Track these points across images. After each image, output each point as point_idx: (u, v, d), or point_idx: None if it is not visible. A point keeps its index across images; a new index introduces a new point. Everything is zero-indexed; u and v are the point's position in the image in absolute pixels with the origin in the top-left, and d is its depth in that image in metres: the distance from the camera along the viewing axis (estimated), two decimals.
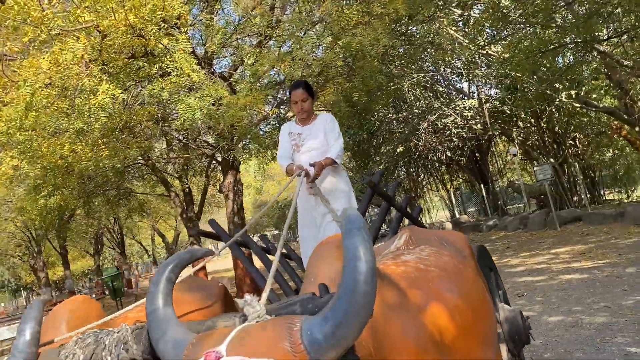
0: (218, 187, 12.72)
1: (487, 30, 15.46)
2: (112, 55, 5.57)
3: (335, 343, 1.20)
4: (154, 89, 5.79)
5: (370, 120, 19.96)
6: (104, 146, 6.24)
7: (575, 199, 21.87)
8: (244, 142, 10.67)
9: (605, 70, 15.76)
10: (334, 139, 3.59)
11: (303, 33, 7.35)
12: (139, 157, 11.63)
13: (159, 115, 7.62)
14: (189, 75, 5.91)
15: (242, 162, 12.17)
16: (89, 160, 6.45)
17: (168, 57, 5.70)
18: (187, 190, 14.25)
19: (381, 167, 22.15)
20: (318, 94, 7.19)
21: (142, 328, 1.70)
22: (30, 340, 1.74)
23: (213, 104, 6.44)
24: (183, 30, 5.97)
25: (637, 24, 10.46)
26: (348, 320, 1.20)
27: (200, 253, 1.70)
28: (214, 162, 14.41)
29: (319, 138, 3.63)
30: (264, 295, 1.56)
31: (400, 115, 20.96)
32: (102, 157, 6.46)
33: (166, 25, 5.77)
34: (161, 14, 5.21)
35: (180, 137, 12.23)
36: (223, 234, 3.36)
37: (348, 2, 6.20)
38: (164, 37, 5.76)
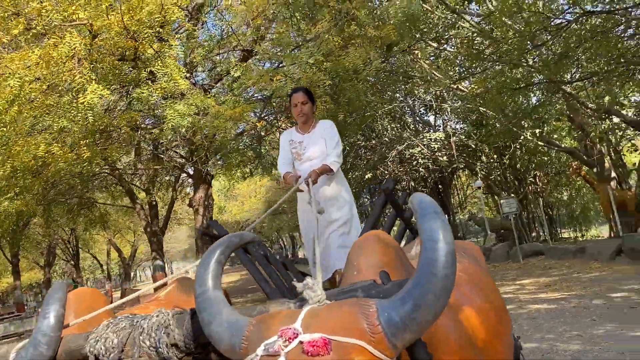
0: (188, 201, 12.49)
1: (459, 66, 15.99)
2: (102, 56, 5.46)
3: (413, 326, 1.18)
4: (142, 93, 5.68)
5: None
6: (85, 147, 6.03)
7: (533, 234, 22.50)
8: (219, 156, 10.56)
9: (568, 112, 16.48)
10: (332, 146, 3.58)
11: (290, 51, 7.40)
12: (105, 167, 11.34)
13: (139, 122, 7.46)
14: (176, 82, 5.85)
15: (214, 177, 12.03)
16: (65, 162, 6.21)
17: (159, 62, 5.63)
18: (153, 203, 13.92)
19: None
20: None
21: (183, 313, 1.63)
22: (54, 324, 1.65)
23: (197, 114, 6.37)
24: (177, 36, 5.92)
25: (605, 68, 10.98)
26: (427, 303, 1.18)
27: (249, 237, 1.66)
28: (184, 175, 14.17)
29: (319, 145, 3.62)
30: (317, 279, 1.51)
31: (368, 142, 21.26)
32: (83, 159, 6.24)
33: (160, 30, 5.70)
34: (159, 18, 5.16)
35: (151, 148, 12.01)
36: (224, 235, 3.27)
37: (340, 23, 6.30)
38: (156, 41, 5.70)
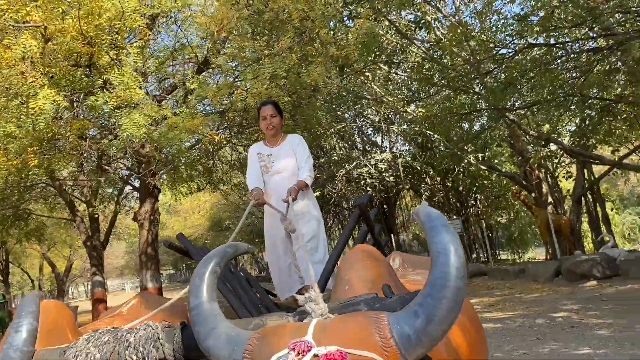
0: (133, 215, 12.07)
1: (409, 89, 16.44)
2: (56, 60, 5.21)
3: (426, 339, 1.17)
4: (97, 101, 5.46)
5: None
6: (32, 155, 5.69)
7: (474, 255, 23.22)
8: (167, 169, 10.29)
9: (509, 138, 17.23)
10: (304, 160, 3.56)
11: (248, 65, 7.37)
12: (45, 177, 10.82)
13: (87, 132, 7.16)
14: (132, 91, 5.67)
15: (161, 191, 11.73)
16: (7, 170, 5.82)
17: (116, 69, 5.43)
18: (95, 216, 13.38)
19: None
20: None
21: (172, 327, 1.55)
22: (27, 338, 1.54)
23: (151, 124, 6.20)
24: (133, 44, 5.74)
25: (547, 97, 11.56)
26: (440, 316, 1.17)
27: (244, 248, 1.60)
28: (128, 188, 13.73)
29: (288, 158, 3.59)
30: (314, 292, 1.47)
31: (317, 161, 21.35)
32: (29, 167, 5.88)
33: (118, 37, 5.53)
34: (119, 24, 5.00)
35: (94, 159, 11.59)
36: (191, 249, 3.17)
37: (303, 42, 6.34)
38: (113, 49, 5.52)
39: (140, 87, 5.93)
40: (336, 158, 20.29)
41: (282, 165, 3.57)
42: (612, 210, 22.36)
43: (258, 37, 6.32)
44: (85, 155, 7.75)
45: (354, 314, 1.30)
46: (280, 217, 3.19)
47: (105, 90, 5.48)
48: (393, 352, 1.15)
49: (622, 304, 7.94)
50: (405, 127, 18.64)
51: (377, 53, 10.95)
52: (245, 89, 5.88)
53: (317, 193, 20.83)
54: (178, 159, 8.05)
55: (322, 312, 1.34)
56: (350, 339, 1.15)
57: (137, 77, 5.59)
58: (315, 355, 1.11)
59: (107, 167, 11.54)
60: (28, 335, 1.53)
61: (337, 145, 21.49)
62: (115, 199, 14.11)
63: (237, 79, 6.48)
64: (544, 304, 8.80)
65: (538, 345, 6.18)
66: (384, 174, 19.73)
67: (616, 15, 9.84)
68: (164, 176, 11.26)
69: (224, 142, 7.74)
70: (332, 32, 6.13)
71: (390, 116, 19.47)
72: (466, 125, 15.39)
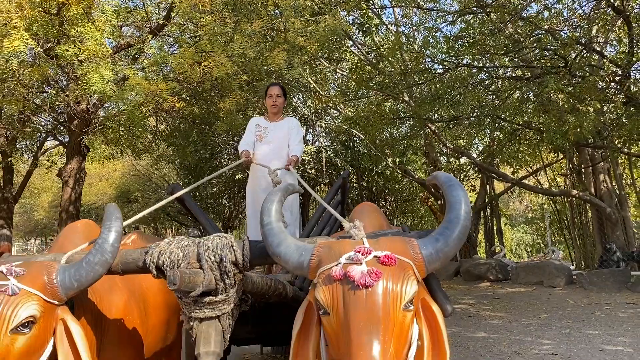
0: (57, 171, 11.76)
1: (342, 88, 17.16)
2: (31, 5, 5.16)
3: (442, 256, 1.72)
4: (67, 51, 5.47)
5: (214, 141, 20.03)
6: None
7: None
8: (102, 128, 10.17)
9: (425, 148, 18.52)
10: (298, 141, 4.15)
11: (215, 41, 7.57)
12: None
13: (52, 80, 7.02)
14: (103, 47, 5.76)
15: (91, 150, 11.56)
16: None
17: (88, 23, 5.48)
18: (9, 166, 12.79)
19: (215, 189, 22.44)
20: (219, 101, 7.47)
21: (241, 239, 1.99)
22: (117, 238, 1.90)
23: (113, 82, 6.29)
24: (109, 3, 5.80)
25: (468, 114, 12.68)
26: (454, 243, 1.73)
27: (298, 188, 2.07)
28: (51, 143, 13.27)
29: (280, 135, 4.14)
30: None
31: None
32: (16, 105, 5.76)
33: None
34: None
35: (21, 109, 11.18)
36: (189, 200, 3.53)
37: (274, 27, 6.71)
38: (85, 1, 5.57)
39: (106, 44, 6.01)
40: None
41: (273, 138, 4.10)
42: (504, 225, 24.57)
43: (229, 14, 6.58)
44: (29, 103, 7.53)
45: (394, 236, 1.83)
46: (268, 171, 3.68)
47: (77, 42, 5.51)
48: (420, 263, 1.69)
49: (511, 302, 9.10)
50: (334, 123, 19.30)
51: (336, 47, 11.47)
52: (214, 61, 6.13)
53: (239, 175, 21.02)
54: (132, 121, 8.08)
55: (363, 236, 1.84)
56: (395, 250, 1.67)
57: (108, 32, 5.68)
58: (376, 256, 1.62)
59: (35, 119, 11.16)
60: (117, 235, 1.90)
61: None
62: (34, 153, 13.55)
63: (201, 52, 6.66)
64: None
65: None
66: (306, 166, 20.30)
67: (536, 51, 11.10)
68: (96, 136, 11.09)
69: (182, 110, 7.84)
70: (300, 24, 6.53)
71: (320, 111, 20.07)
72: (392, 131, 16.33)
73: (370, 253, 1.63)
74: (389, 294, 1.54)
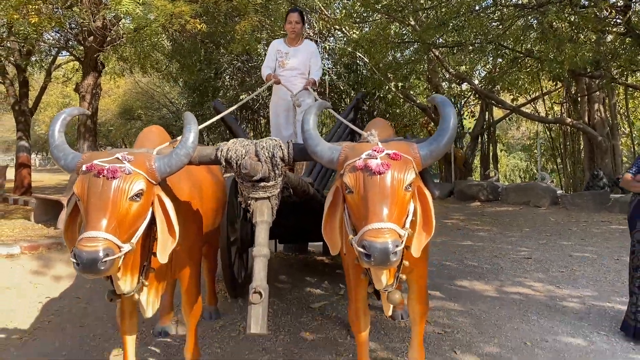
0: (74, 86, 12.27)
1: (349, 9, 17.19)
2: None
3: (434, 154, 2.40)
4: None
5: (219, 60, 20.19)
6: (33, 12, 5.94)
7: None
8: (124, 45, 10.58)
9: (427, 73, 18.81)
10: (318, 67, 4.70)
11: None
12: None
13: None
14: None
15: (107, 69, 12.00)
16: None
17: None
18: (25, 80, 13.25)
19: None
20: (234, 23, 7.87)
21: (287, 141, 2.65)
22: (195, 138, 2.56)
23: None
24: None
25: (471, 40, 12.99)
26: (443, 146, 2.40)
27: (329, 104, 2.70)
28: (64, 57, 13.64)
29: (301, 59, 4.69)
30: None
31: (245, 65, 21.54)
32: (31, 22, 6.14)
33: None
34: None
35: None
36: (228, 115, 4.16)
37: None
38: None
39: None
40: None
41: (295, 63, 4.66)
42: (500, 151, 25.30)
43: None
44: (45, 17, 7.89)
45: (399, 141, 2.50)
46: (290, 94, 4.29)
47: None
48: (418, 159, 2.36)
49: (498, 219, 9.96)
50: (337, 45, 19.43)
51: None
52: None
53: (244, 96, 21.39)
54: (139, 36, 8.47)
55: (377, 141, 2.50)
56: (400, 149, 2.34)
57: None
58: (387, 153, 2.28)
59: (48, 35, 11.52)
60: (195, 135, 2.55)
61: (263, 50, 21.86)
62: (48, 67, 13.94)
63: None
64: (438, 215, 10.64)
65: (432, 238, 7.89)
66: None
67: None
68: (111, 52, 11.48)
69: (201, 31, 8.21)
70: None
71: (324, 32, 20.13)
72: (398, 55, 16.58)
73: (383, 151, 2.30)
74: (395, 178, 2.22)
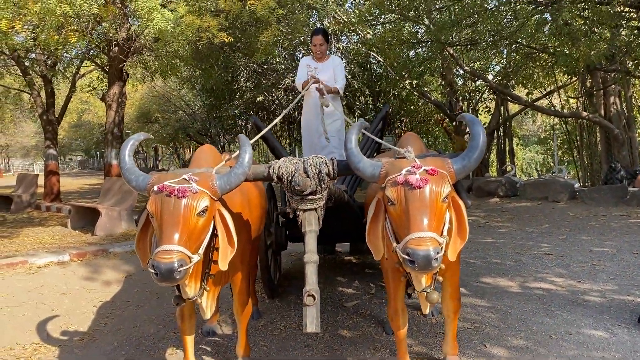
0: (100, 96, 12.68)
1: (363, 10, 17.40)
2: None
3: (466, 169, 2.67)
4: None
5: (235, 64, 20.48)
6: (72, 33, 6.32)
7: None
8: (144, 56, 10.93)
9: (442, 70, 18.96)
10: (341, 78, 5.05)
11: None
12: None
13: (119, 13, 7.72)
14: None
15: (130, 76, 12.37)
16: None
17: None
18: (52, 90, 13.71)
19: (236, 111, 23.23)
20: (256, 32, 8.20)
21: (331, 159, 2.94)
22: (250, 158, 2.86)
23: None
24: None
25: (487, 38, 13.15)
26: (474, 161, 2.67)
27: (365, 125, 2.98)
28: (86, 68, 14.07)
29: (329, 73, 5.05)
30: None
31: (260, 67, 21.79)
32: (69, 42, 6.53)
33: None
34: None
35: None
36: (268, 133, 4.49)
37: None
38: None
39: None
40: (282, 67, 20.92)
41: (324, 77, 4.98)
42: (516, 145, 25.35)
43: None
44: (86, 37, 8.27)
45: (436, 157, 2.77)
46: (319, 96, 4.63)
47: None
48: (452, 174, 2.64)
49: (517, 215, 10.17)
50: (350, 45, 19.62)
51: None
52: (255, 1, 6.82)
53: (260, 97, 21.73)
54: (163, 47, 8.80)
55: (413, 157, 2.78)
56: (436, 165, 2.61)
57: None
58: (425, 169, 2.56)
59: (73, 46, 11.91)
60: (250, 156, 2.85)
61: (280, 55, 22.15)
62: (72, 77, 14.37)
63: None
64: None
65: None
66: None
67: None
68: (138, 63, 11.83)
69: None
70: None
71: (337, 32, 20.35)
72: (412, 53, 16.76)
73: (421, 167, 2.58)
74: (433, 192, 2.50)
